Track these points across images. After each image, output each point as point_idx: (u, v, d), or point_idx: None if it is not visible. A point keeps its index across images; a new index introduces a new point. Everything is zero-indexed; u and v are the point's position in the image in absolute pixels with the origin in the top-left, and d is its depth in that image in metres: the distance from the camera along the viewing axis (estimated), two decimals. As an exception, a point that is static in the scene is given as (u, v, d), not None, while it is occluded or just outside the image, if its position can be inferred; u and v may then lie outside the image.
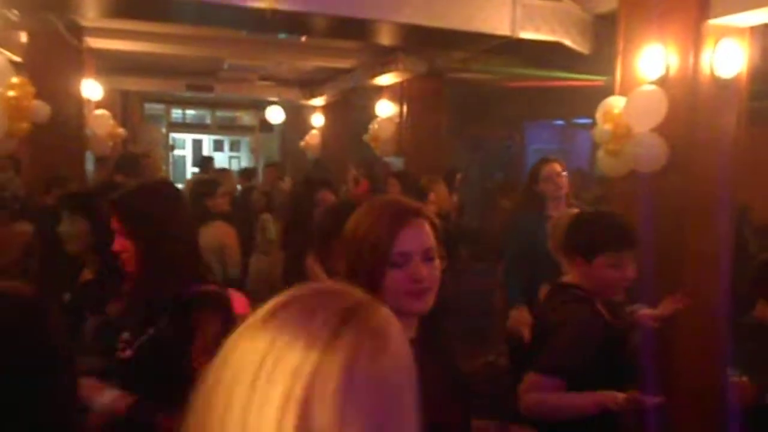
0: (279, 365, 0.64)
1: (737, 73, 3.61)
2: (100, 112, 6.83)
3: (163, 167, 10.41)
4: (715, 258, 3.59)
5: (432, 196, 4.51)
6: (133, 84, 9.90)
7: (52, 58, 6.05)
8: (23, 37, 6.06)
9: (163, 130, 12.41)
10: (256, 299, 1.36)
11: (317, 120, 10.63)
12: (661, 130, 3.57)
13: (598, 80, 5.94)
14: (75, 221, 2.43)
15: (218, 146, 14.86)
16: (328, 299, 0.71)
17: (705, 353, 3.56)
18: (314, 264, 2.59)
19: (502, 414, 1.75)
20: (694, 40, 3.56)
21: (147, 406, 1.71)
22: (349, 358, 0.65)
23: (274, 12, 4.44)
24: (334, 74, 9.11)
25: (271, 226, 4.71)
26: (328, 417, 0.62)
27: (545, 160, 3.81)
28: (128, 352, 1.81)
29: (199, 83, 9.89)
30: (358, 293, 0.74)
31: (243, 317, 0.73)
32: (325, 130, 10.47)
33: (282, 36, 6.96)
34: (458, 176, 6.50)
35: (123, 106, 10.18)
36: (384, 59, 7.25)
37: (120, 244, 1.85)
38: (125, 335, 1.85)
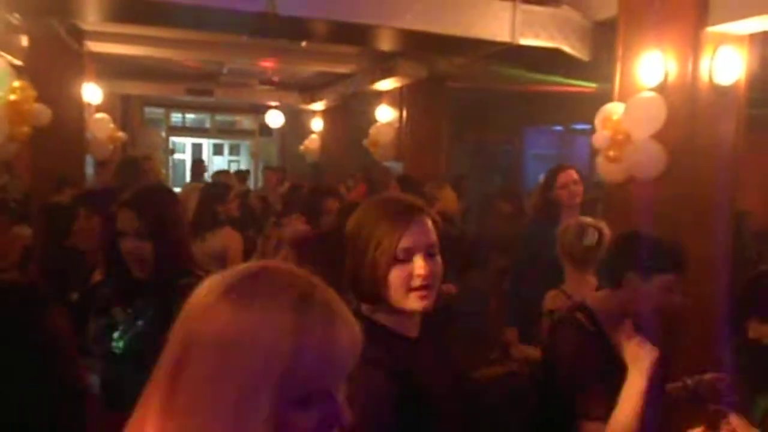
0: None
1: (736, 80, 3.62)
2: (100, 115, 6.86)
3: (163, 171, 10.41)
4: (714, 263, 3.59)
5: (439, 205, 4.38)
6: (133, 88, 9.93)
7: (53, 62, 6.08)
8: (24, 41, 6.06)
9: (163, 134, 12.43)
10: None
11: (317, 124, 10.65)
12: (660, 136, 3.57)
13: (591, 87, 5.97)
14: (91, 219, 2.47)
15: (218, 150, 14.90)
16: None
17: (703, 359, 3.55)
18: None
19: None
20: (693, 47, 3.57)
21: None
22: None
23: (275, 17, 4.46)
24: (334, 79, 9.13)
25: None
26: None
27: (561, 167, 3.67)
28: (120, 344, 1.86)
29: (199, 87, 9.92)
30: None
31: None
32: (325, 135, 10.49)
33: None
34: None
35: (123, 109, 10.20)
36: (384, 64, 7.27)
37: (134, 245, 1.84)
38: (119, 330, 1.89)
